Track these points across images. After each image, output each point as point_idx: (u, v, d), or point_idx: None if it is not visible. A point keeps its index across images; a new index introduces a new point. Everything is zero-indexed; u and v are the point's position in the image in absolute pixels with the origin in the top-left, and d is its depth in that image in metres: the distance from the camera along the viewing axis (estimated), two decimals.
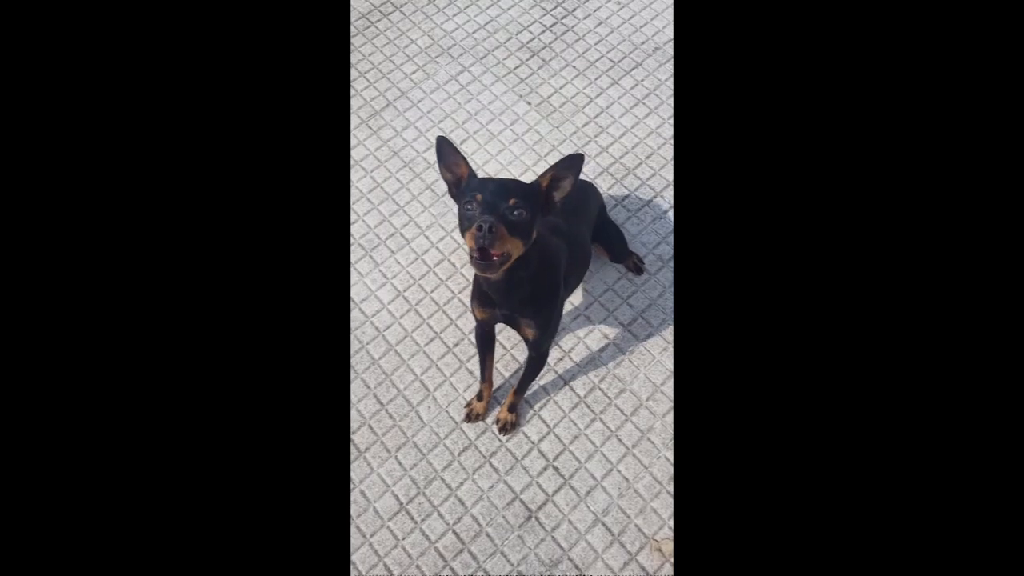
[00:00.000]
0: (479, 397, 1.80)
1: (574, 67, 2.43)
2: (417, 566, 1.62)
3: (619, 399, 1.82)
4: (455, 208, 2.14)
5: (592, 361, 1.88)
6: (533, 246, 1.30)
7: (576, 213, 1.74)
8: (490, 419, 1.81)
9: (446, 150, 1.30)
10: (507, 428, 1.79)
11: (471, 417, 1.81)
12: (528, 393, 1.83)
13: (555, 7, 2.59)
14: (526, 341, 1.57)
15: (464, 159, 1.30)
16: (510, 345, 1.92)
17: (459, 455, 1.76)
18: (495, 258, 1.19)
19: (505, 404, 1.79)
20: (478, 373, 1.86)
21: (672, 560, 1.61)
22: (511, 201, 1.21)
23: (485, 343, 1.70)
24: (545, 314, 1.49)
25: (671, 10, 2.56)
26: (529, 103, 2.36)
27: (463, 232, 1.25)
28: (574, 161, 1.26)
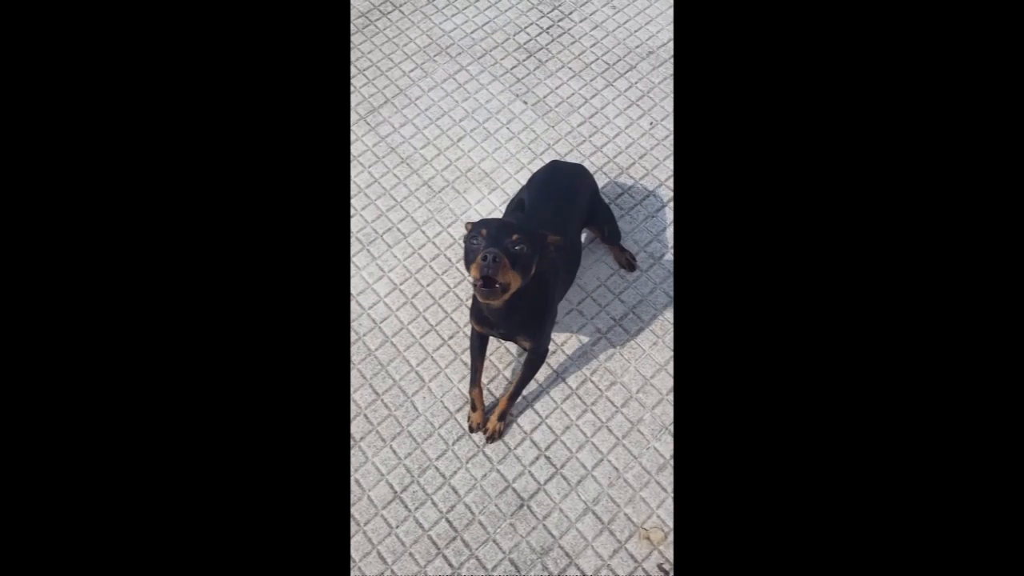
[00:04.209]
0: (473, 407, 1.81)
1: (570, 68, 2.48)
2: (410, 554, 1.65)
3: (610, 391, 1.86)
4: (451, 204, 2.18)
5: (584, 354, 1.92)
6: (531, 280, 1.42)
7: (564, 207, 1.81)
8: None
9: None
10: (494, 438, 1.79)
11: (473, 428, 1.81)
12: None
13: (552, 10, 2.64)
14: (523, 348, 1.70)
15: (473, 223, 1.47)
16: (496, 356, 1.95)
17: (453, 444, 1.79)
18: (497, 286, 1.31)
19: (495, 413, 1.80)
20: (471, 366, 1.89)
21: (660, 548, 1.65)
22: (514, 236, 1.34)
23: (479, 351, 1.79)
24: (539, 330, 1.63)
25: (665, 15, 2.61)
26: (525, 102, 2.40)
27: (468, 264, 1.38)
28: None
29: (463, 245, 1.46)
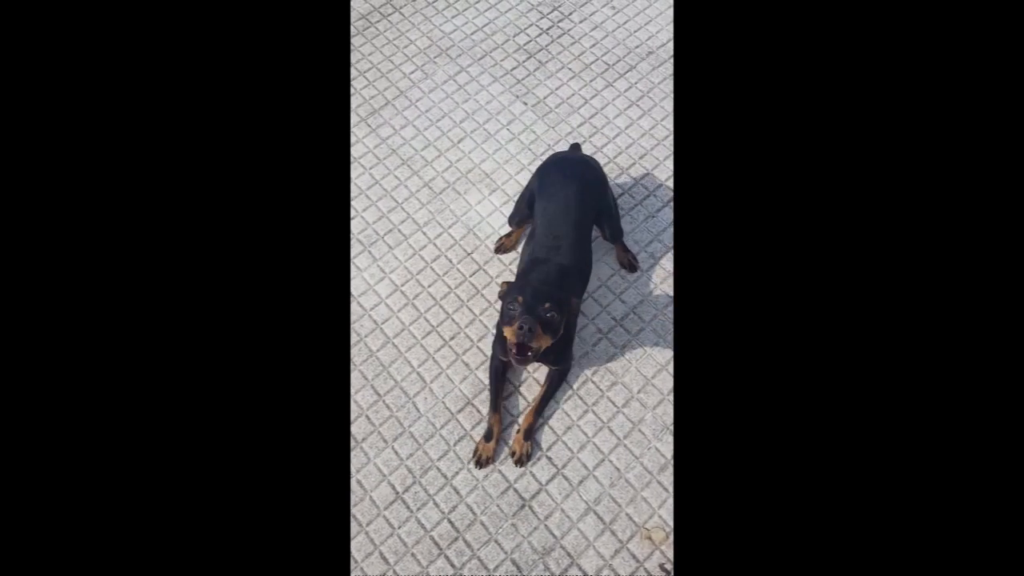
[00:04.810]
0: (487, 436, 1.75)
1: (570, 69, 2.48)
2: (412, 554, 1.65)
3: (611, 391, 1.86)
4: (452, 205, 2.18)
5: (585, 355, 1.92)
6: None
7: (574, 205, 1.81)
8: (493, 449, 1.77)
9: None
10: (523, 460, 1.74)
11: (481, 462, 1.74)
12: (522, 386, 1.87)
13: (552, 11, 2.64)
14: (548, 367, 1.82)
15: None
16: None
17: (455, 445, 1.79)
18: (530, 352, 1.50)
19: (520, 430, 1.76)
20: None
21: (662, 548, 1.65)
22: (546, 305, 1.52)
23: (500, 376, 1.82)
24: (563, 356, 1.77)
25: (664, 15, 2.62)
26: (525, 103, 2.40)
27: (503, 326, 1.57)
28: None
29: (500, 308, 1.64)
